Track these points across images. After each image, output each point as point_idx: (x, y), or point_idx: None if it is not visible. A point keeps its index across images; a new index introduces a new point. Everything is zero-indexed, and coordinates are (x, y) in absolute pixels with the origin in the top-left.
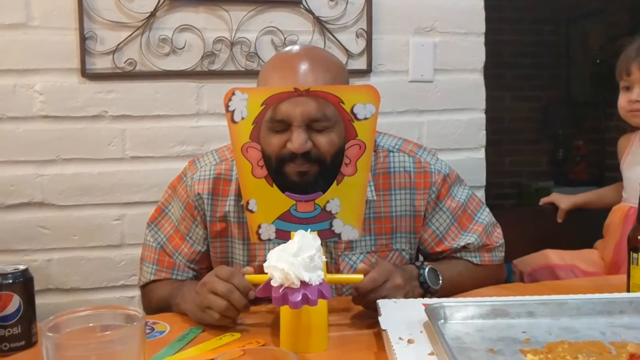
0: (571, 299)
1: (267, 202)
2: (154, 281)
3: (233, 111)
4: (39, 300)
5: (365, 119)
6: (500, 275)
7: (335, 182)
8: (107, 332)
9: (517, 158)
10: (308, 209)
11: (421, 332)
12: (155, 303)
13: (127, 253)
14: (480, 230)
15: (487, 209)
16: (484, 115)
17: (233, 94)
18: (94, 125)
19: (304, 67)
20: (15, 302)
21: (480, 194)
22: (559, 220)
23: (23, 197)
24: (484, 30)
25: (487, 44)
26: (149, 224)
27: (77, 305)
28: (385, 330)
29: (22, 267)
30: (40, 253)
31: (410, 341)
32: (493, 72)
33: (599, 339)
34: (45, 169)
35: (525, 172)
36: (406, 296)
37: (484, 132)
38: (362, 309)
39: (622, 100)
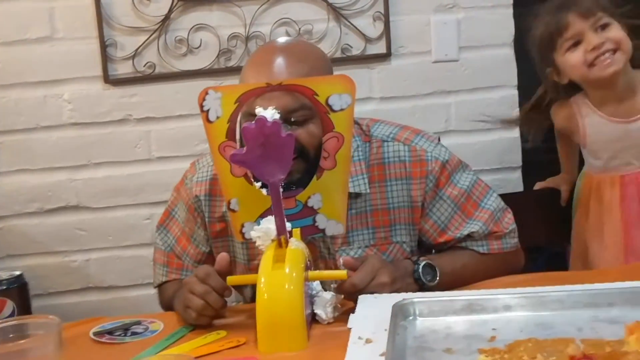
0: (554, 291)
1: (248, 200)
2: (166, 282)
3: (208, 111)
4: (81, 298)
5: (342, 110)
6: (515, 263)
7: (315, 177)
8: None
9: None
10: (290, 205)
11: (385, 330)
12: (166, 303)
13: None
14: (486, 217)
15: (495, 194)
16: (516, 92)
17: (207, 93)
18: (120, 129)
19: (278, 60)
20: (9, 307)
21: (517, 175)
22: (564, 203)
23: (60, 201)
24: (511, 1)
25: (520, 15)
26: (158, 227)
27: (117, 302)
28: (350, 328)
29: (17, 273)
30: (79, 254)
31: (368, 340)
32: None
33: (573, 336)
34: (78, 174)
35: None
36: (397, 292)
37: (518, 109)
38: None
39: (577, 57)
